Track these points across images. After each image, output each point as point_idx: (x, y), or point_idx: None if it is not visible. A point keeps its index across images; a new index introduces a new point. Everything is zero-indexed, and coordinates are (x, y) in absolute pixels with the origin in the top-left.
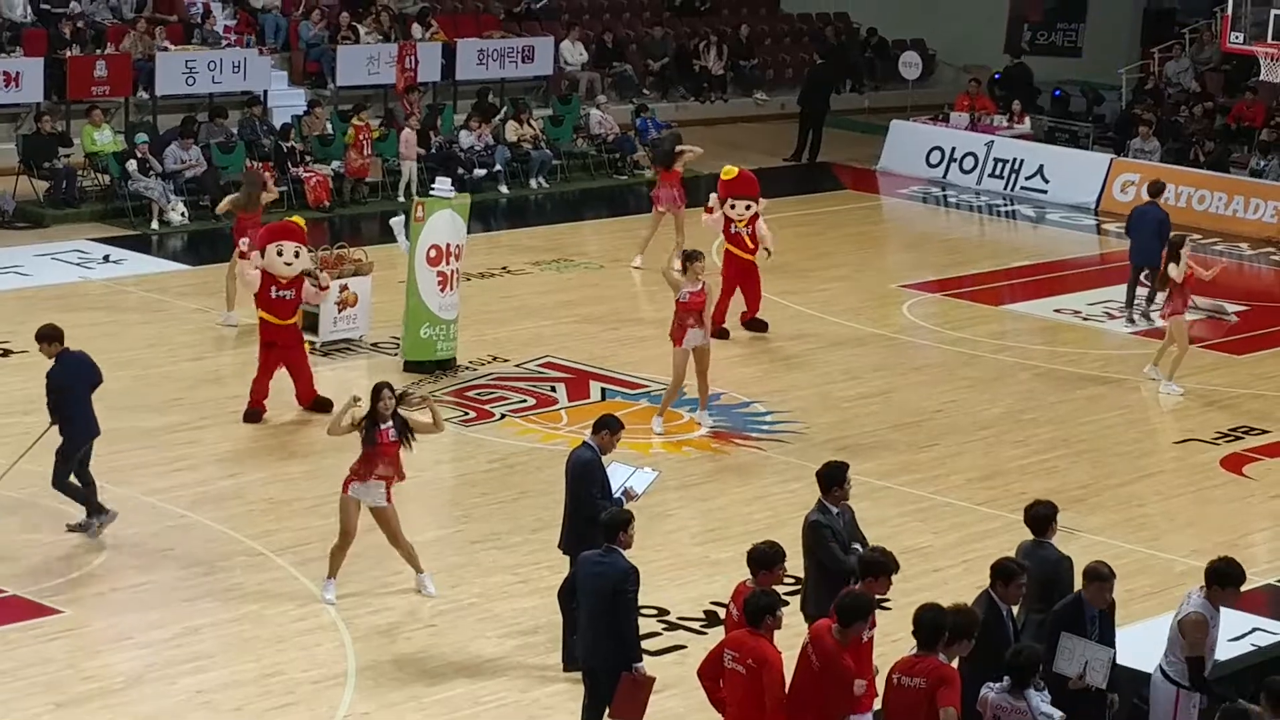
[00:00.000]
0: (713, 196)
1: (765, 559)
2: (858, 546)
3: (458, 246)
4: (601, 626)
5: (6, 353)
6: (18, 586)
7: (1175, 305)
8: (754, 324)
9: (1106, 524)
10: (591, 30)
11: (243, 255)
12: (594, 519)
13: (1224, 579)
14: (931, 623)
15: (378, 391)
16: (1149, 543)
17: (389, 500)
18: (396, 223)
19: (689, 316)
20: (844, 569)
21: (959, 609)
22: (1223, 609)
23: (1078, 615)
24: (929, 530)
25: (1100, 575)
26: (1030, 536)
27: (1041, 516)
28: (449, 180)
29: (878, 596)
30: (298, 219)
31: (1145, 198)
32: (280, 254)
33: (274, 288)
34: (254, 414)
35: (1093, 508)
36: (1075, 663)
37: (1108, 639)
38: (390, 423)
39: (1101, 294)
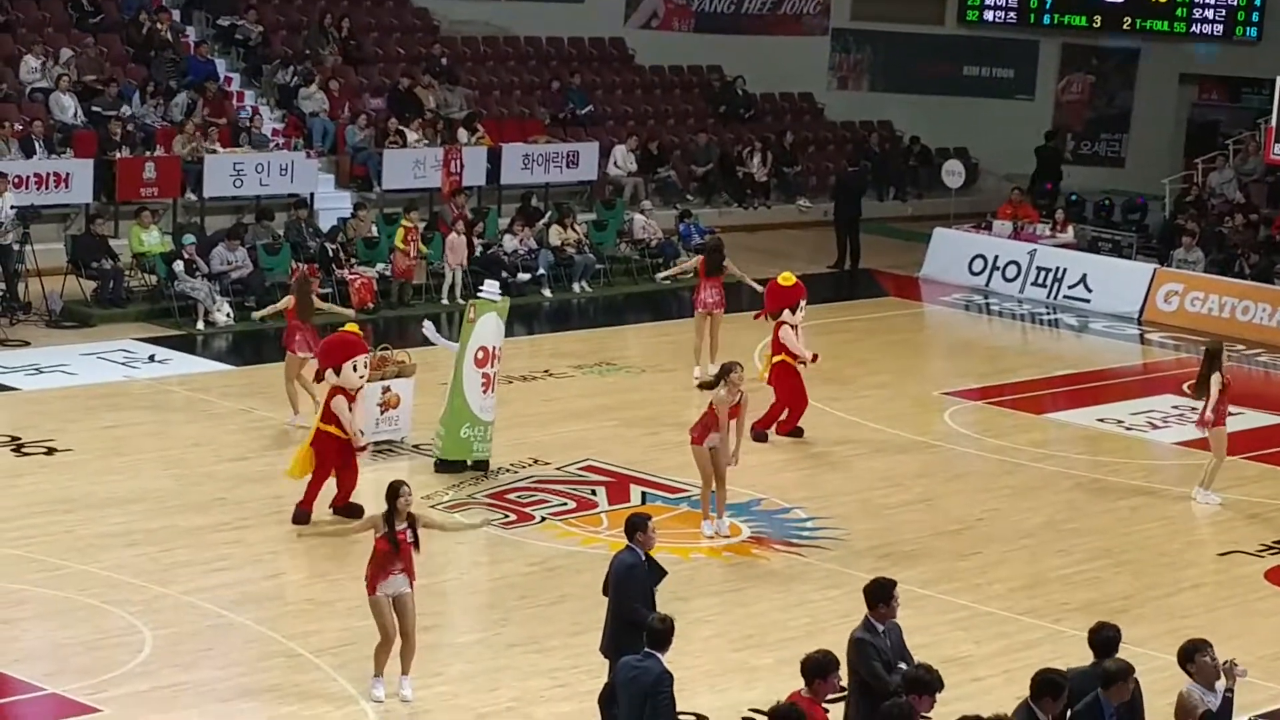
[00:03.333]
0: (787, 313)
1: (819, 667)
2: (903, 665)
3: (498, 349)
4: None
5: (50, 450)
6: (56, 685)
7: (1215, 415)
8: (795, 432)
9: (1150, 635)
10: (636, 136)
11: (360, 449)
12: (634, 623)
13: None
14: None
15: (396, 490)
16: None
17: (411, 588)
18: (429, 330)
19: (715, 422)
20: (886, 688)
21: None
22: None
23: (1096, 715)
24: (970, 639)
25: (1120, 674)
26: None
27: (1108, 640)
28: (496, 283)
29: (921, 714)
30: (353, 327)
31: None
32: (355, 369)
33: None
34: (303, 515)
35: (1135, 619)
36: None
37: None
38: (404, 524)
39: (1144, 404)
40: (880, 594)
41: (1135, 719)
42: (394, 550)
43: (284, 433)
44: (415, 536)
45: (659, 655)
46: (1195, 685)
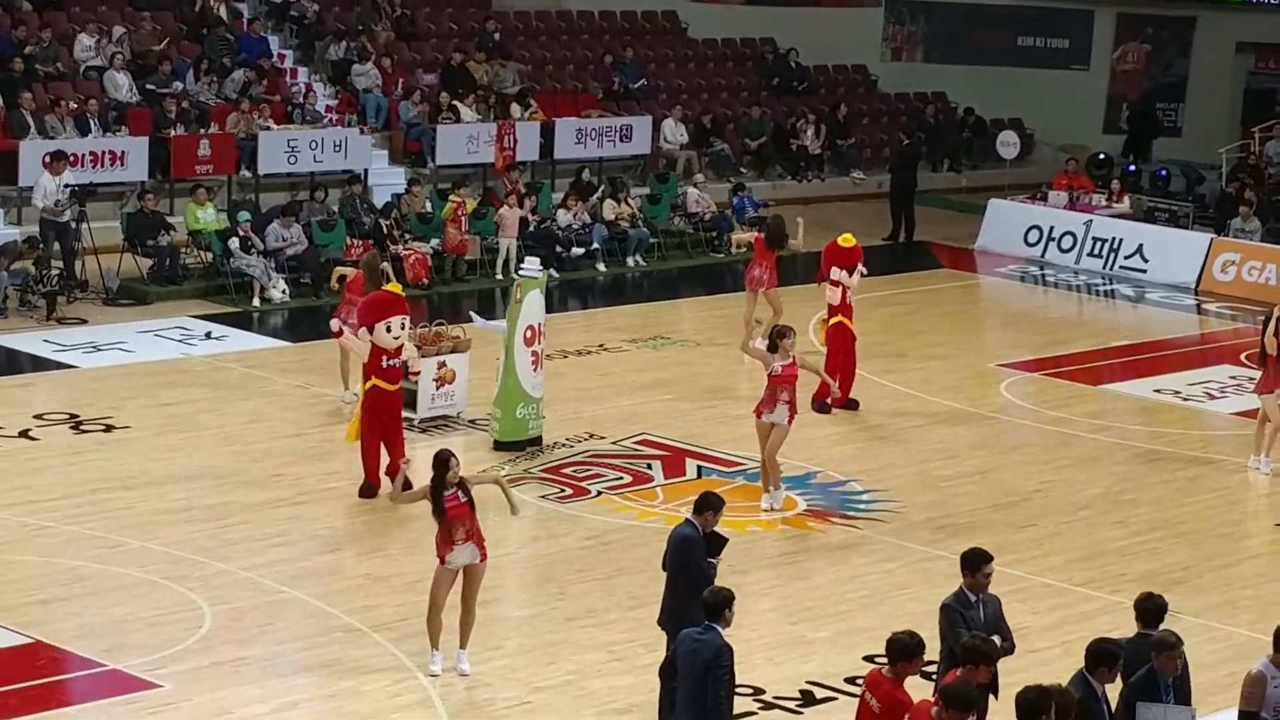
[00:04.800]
0: (835, 270)
1: (906, 650)
2: (996, 638)
3: (542, 325)
4: (696, 703)
5: (109, 428)
6: (117, 661)
7: (1269, 381)
8: (848, 404)
9: (1207, 606)
10: (690, 109)
11: (337, 334)
12: (691, 596)
13: None
14: (1032, 705)
15: (444, 461)
16: (1250, 625)
17: (483, 558)
18: (477, 320)
19: (782, 391)
20: None
21: (1057, 690)
22: None
23: (1152, 685)
24: (1028, 611)
25: (1169, 644)
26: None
27: (1158, 609)
28: (537, 260)
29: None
30: (395, 286)
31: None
32: (389, 329)
33: (384, 358)
34: (370, 489)
35: (1193, 590)
36: None
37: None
38: (453, 488)
39: (1202, 374)
40: (965, 563)
41: (1185, 690)
42: (442, 517)
43: (339, 409)
44: (469, 496)
45: (718, 628)
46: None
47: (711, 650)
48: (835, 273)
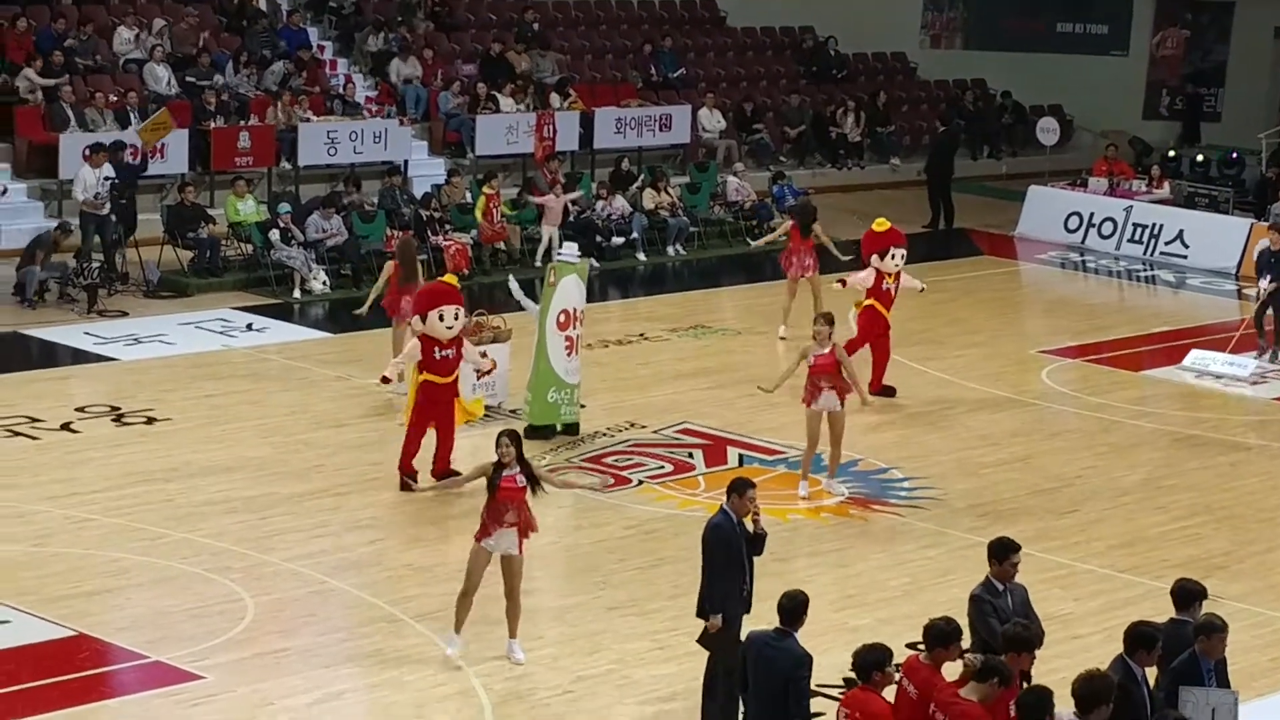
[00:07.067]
0: (875, 257)
1: (942, 636)
2: None
3: (581, 311)
4: (774, 711)
5: (150, 420)
6: (160, 652)
7: None
8: (884, 390)
9: (1249, 591)
10: (729, 98)
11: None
12: (717, 582)
13: None
14: (1091, 692)
15: (497, 440)
16: None
17: (520, 551)
18: (514, 287)
19: (821, 379)
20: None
21: (1098, 674)
22: None
23: (1194, 669)
24: (1070, 597)
25: (1216, 628)
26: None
27: (1189, 593)
28: (575, 245)
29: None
30: (451, 278)
31: None
32: (442, 319)
33: (436, 349)
34: (405, 482)
35: (1235, 575)
36: (1203, 711)
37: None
38: (515, 469)
39: (1242, 359)
40: (992, 552)
41: (1225, 675)
42: (493, 494)
43: (387, 401)
44: (530, 479)
45: (795, 634)
46: None
47: (791, 660)
48: (875, 260)
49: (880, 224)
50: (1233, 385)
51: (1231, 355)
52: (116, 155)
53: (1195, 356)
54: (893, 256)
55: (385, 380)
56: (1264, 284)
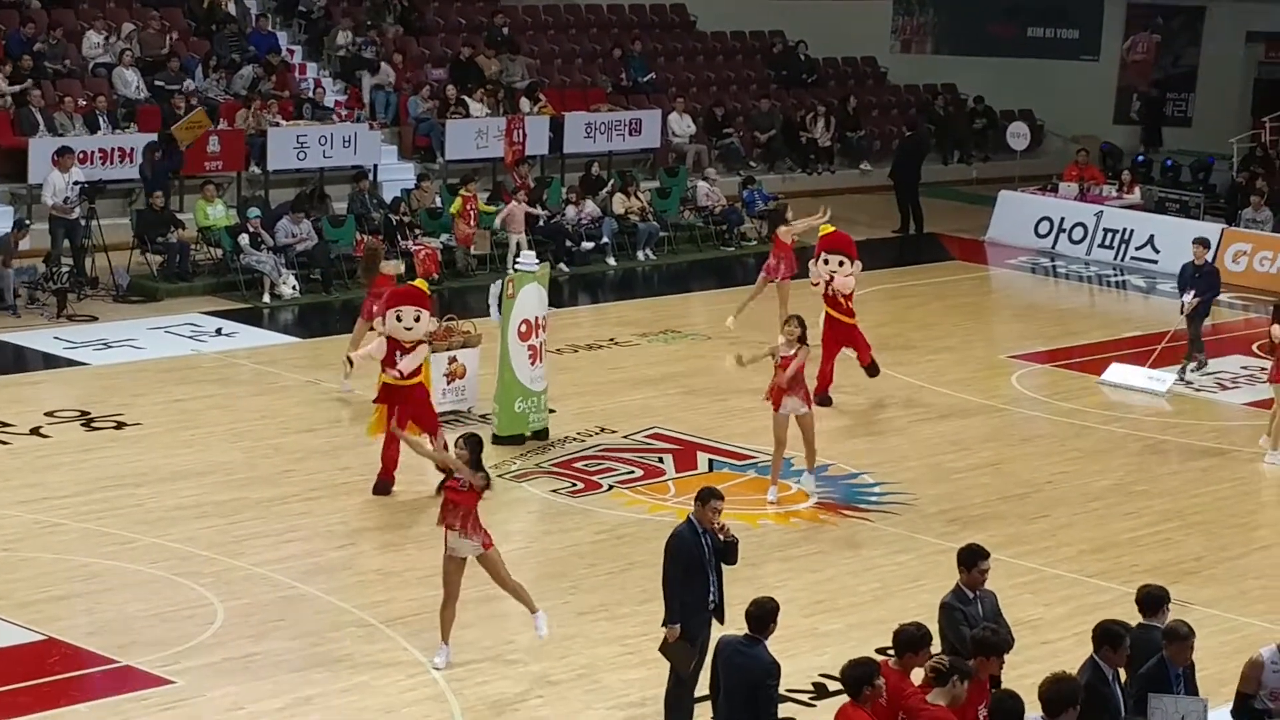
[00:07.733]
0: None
1: (912, 641)
2: None
3: (543, 319)
4: (743, 715)
5: (120, 425)
6: (130, 657)
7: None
8: (872, 368)
9: (1220, 596)
10: (699, 103)
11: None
12: (678, 590)
13: None
14: (1058, 695)
15: (455, 442)
16: (1264, 616)
17: (486, 547)
18: (494, 293)
19: (785, 381)
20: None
21: (1064, 677)
22: None
23: (1162, 675)
24: (1040, 602)
25: (1180, 634)
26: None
27: (1154, 598)
28: (533, 253)
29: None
30: (421, 283)
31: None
32: (400, 319)
33: (398, 351)
34: (384, 486)
35: (1206, 580)
36: (1173, 718)
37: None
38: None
39: (1213, 365)
40: (962, 559)
41: (1193, 681)
42: (439, 495)
43: (358, 407)
44: (472, 485)
45: (764, 641)
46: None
47: (760, 668)
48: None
49: (825, 228)
50: (1204, 391)
51: (1151, 370)
52: (149, 154)
53: (1114, 371)
54: (826, 261)
55: (349, 363)
56: (1187, 298)
